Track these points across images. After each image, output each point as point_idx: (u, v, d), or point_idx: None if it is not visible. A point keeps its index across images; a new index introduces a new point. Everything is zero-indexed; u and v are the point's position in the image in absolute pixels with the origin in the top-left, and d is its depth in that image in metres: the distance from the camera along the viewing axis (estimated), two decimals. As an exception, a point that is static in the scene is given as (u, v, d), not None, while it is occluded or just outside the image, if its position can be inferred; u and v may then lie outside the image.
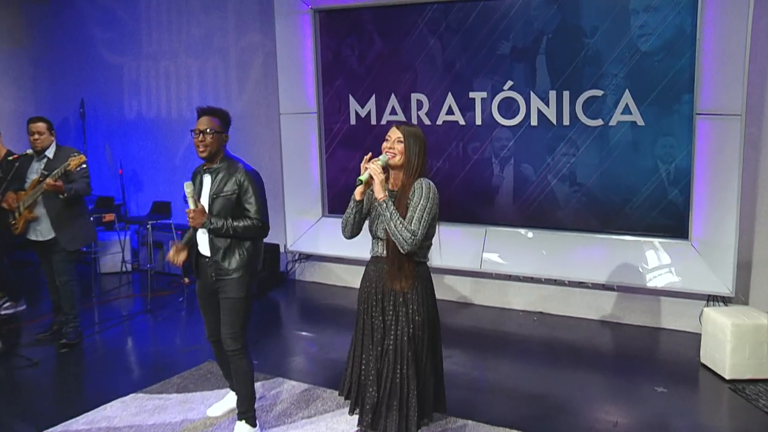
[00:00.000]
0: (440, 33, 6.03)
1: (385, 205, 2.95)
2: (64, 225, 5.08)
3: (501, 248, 5.96)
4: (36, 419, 4.01)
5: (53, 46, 8.80)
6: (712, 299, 5.20)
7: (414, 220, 2.94)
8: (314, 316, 6.22)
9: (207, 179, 3.55)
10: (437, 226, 3.13)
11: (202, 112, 3.53)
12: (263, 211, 3.51)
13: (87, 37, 8.51)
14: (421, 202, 2.97)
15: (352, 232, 3.22)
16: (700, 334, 4.83)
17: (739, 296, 5.12)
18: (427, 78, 6.16)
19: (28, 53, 8.81)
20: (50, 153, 5.12)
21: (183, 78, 7.84)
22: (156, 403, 4.16)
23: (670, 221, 5.31)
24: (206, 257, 3.55)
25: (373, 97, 6.44)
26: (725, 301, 5.15)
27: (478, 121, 5.96)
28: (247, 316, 3.58)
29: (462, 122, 6.04)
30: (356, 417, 3.18)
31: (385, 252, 3.10)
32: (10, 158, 5.28)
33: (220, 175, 3.50)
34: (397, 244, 2.94)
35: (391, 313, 3.08)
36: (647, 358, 4.96)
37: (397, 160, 3.05)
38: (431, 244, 3.17)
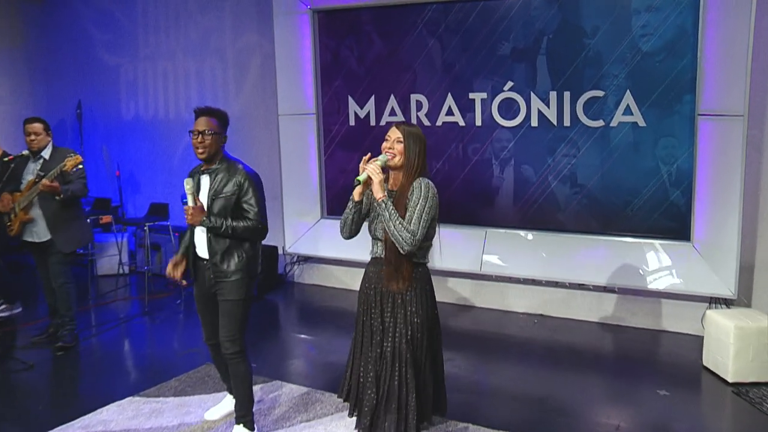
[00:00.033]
0: (440, 33, 6.00)
1: (384, 205, 2.93)
2: (60, 226, 5.03)
3: (501, 250, 5.93)
4: (31, 423, 3.97)
5: (49, 47, 8.76)
6: (714, 301, 5.18)
7: (413, 220, 2.92)
8: (313, 319, 6.18)
9: (205, 180, 3.52)
10: (437, 227, 3.11)
11: (200, 112, 3.50)
12: (262, 212, 3.49)
13: (84, 37, 8.48)
14: (420, 201, 2.95)
15: (350, 232, 3.21)
16: (702, 337, 4.80)
17: (742, 298, 5.09)
18: (427, 79, 6.13)
19: (24, 54, 8.75)
20: (46, 154, 5.08)
21: (180, 79, 7.81)
22: (153, 407, 4.13)
23: (672, 223, 5.28)
24: (204, 260, 3.52)
25: (373, 98, 6.40)
26: (727, 303, 5.12)
27: (478, 122, 5.93)
28: (245, 318, 3.55)
29: (462, 123, 6.01)
30: (355, 419, 3.15)
31: (383, 253, 3.07)
32: (6, 159, 5.23)
33: (220, 176, 3.47)
34: (396, 244, 2.92)
35: (389, 314, 3.06)
36: (649, 361, 4.92)
37: (397, 161, 3.04)
38: (431, 245, 3.16)
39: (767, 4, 4.84)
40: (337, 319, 5.95)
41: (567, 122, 5.54)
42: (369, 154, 3.07)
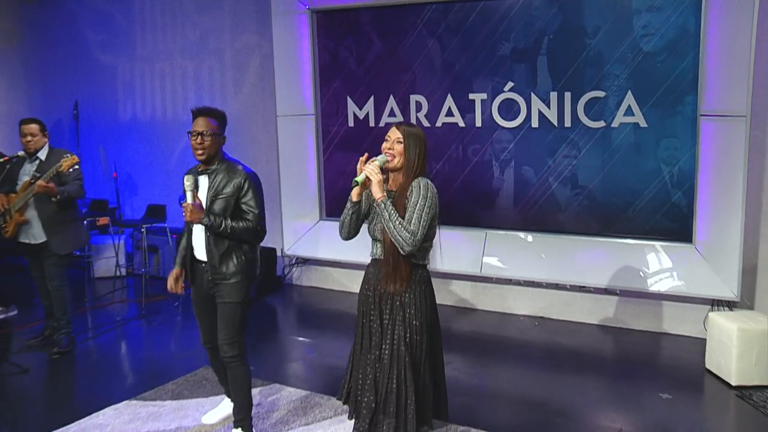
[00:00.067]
0: (439, 33, 5.96)
1: (383, 205, 2.90)
2: (56, 228, 4.99)
3: (501, 252, 5.89)
4: (26, 428, 3.92)
5: (45, 47, 8.72)
6: (716, 304, 5.14)
7: (413, 220, 2.89)
8: (312, 321, 6.14)
9: (203, 181, 3.47)
10: (438, 229, 3.07)
11: (198, 112, 3.45)
12: (261, 215, 3.45)
13: (80, 37, 8.44)
14: (420, 201, 2.92)
15: (348, 233, 3.19)
16: (704, 339, 4.77)
17: (744, 301, 5.05)
18: (427, 79, 6.10)
19: (20, 53, 8.72)
20: (43, 155, 5.03)
21: (178, 79, 7.77)
22: (150, 410, 4.09)
23: (674, 224, 5.24)
24: (202, 262, 3.48)
25: (372, 98, 6.37)
26: (730, 305, 5.09)
27: (478, 123, 5.90)
28: (244, 321, 3.51)
29: (462, 124, 5.97)
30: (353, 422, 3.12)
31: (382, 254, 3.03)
32: (1, 160, 5.19)
33: (219, 177, 3.42)
34: (396, 244, 2.90)
35: (388, 316, 3.04)
36: (651, 364, 4.89)
37: (396, 162, 3.01)
38: (431, 246, 3.13)
39: (770, 4, 4.82)
40: (336, 322, 5.91)
41: (568, 123, 5.51)
42: (366, 155, 3.03)
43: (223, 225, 3.33)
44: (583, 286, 5.64)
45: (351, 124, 6.53)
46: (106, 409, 4.10)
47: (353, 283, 6.56)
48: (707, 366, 4.62)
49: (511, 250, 5.85)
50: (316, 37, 6.55)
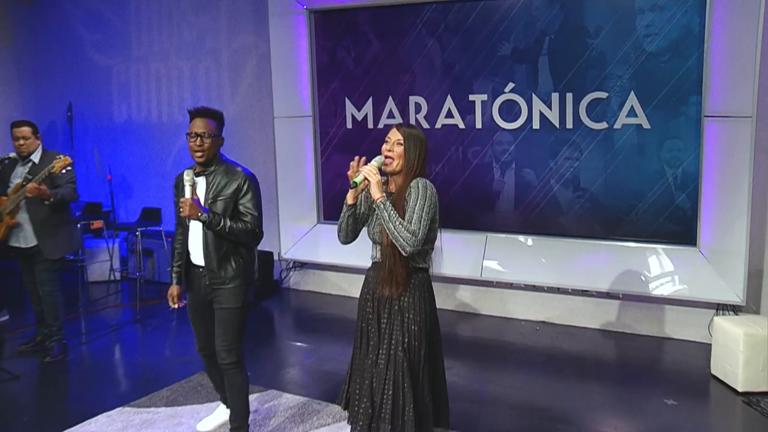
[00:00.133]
0: (439, 34, 5.90)
1: (382, 205, 2.85)
2: (48, 232, 4.89)
3: (502, 256, 5.82)
4: (16, 436, 3.85)
5: (38, 47, 8.64)
6: (721, 308, 5.07)
7: (413, 220, 2.85)
8: (310, 326, 6.07)
9: (201, 182, 3.40)
10: (438, 231, 3.02)
11: (196, 113, 3.37)
12: (259, 218, 3.39)
13: (73, 38, 8.37)
14: (419, 201, 2.87)
15: (346, 237, 3.14)
16: (709, 344, 4.72)
17: (750, 305, 4.98)
18: (426, 80, 6.03)
19: (13, 54, 8.61)
20: (36, 157, 4.95)
21: (174, 80, 7.70)
22: (143, 417, 4.02)
23: (678, 227, 5.17)
24: (199, 267, 3.40)
25: (370, 100, 6.31)
26: (735, 310, 5.02)
27: (479, 125, 5.83)
28: (243, 327, 3.44)
29: (462, 126, 5.90)
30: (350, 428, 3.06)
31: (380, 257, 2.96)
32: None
33: (218, 178, 3.36)
34: (397, 245, 2.84)
35: (386, 321, 2.98)
36: (655, 369, 4.82)
37: (395, 166, 2.96)
38: (432, 249, 3.07)
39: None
40: (334, 327, 5.84)
41: (569, 124, 5.44)
42: (356, 157, 2.96)
43: (223, 223, 3.25)
44: (586, 290, 5.57)
45: (349, 125, 6.46)
46: (99, 416, 4.03)
47: (352, 287, 6.49)
48: (713, 371, 4.55)
49: (512, 253, 5.78)
50: (314, 38, 6.49)
